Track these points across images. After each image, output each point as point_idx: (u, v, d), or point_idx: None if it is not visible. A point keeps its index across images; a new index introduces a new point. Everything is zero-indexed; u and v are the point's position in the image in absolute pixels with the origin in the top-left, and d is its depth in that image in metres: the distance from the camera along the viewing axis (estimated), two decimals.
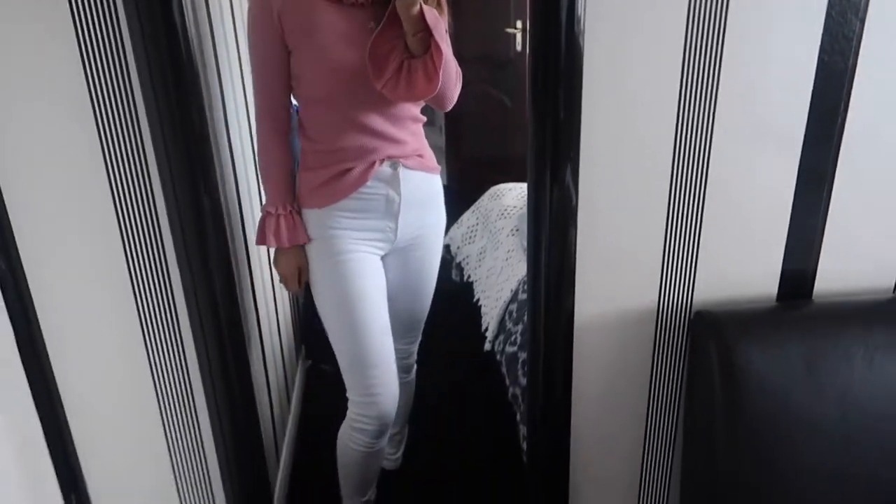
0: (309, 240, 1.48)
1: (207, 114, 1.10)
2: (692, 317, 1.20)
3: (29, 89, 1.01)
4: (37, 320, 1.11)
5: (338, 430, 1.61)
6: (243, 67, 1.83)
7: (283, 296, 2.27)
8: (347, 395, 1.52)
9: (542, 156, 1.11)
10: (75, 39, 1.00)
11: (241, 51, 1.82)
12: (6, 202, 1.05)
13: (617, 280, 1.19)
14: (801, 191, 1.15)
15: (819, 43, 1.07)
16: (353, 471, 1.61)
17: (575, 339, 1.21)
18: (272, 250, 1.56)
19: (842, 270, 1.21)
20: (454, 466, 2.09)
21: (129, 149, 1.07)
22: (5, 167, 1.04)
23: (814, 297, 1.22)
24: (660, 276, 1.19)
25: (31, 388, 1.11)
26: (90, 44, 1.00)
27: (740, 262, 1.19)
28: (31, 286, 1.09)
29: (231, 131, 1.59)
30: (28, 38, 0.99)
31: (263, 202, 1.47)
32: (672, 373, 1.26)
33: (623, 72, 1.07)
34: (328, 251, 1.46)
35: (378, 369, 1.47)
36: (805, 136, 1.12)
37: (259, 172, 1.48)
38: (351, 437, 1.54)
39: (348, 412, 1.53)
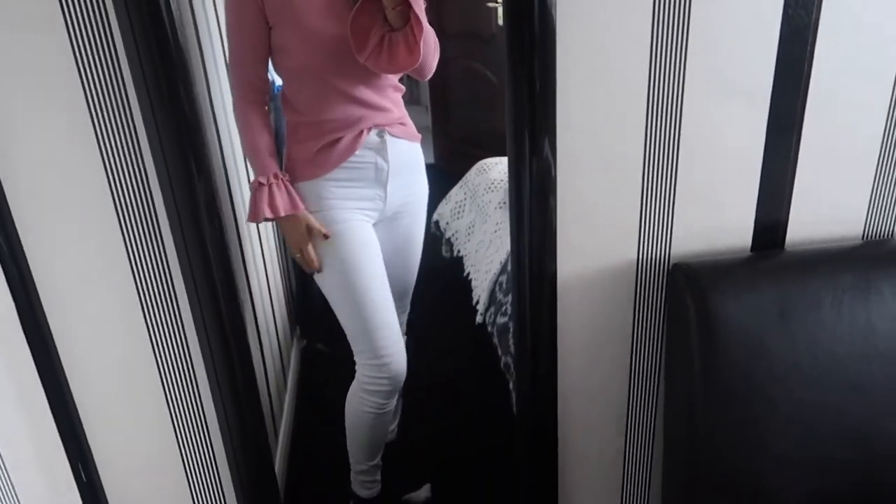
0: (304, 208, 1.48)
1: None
2: (670, 269, 1.24)
3: (21, 77, 1.03)
4: (40, 302, 1.14)
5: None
6: (226, 50, 1.84)
7: (276, 276, 2.30)
8: (356, 358, 1.55)
9: (520, 128, 1.14)
10: (64, 27, 1.02)
11: (223, 34, 1.84)
12: (4, 188, 1.07)
13: (597, 240, 1.23)
14: (770, 143, 1.18)
15: None
16: (363, 434, 1.65)
17: (559, 300, 1.25)
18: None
19: (812, 220, 1.25)
20: (449, 436, 2.13)
21: (122, 133, 1.08)
22: (2, 153, 1.06)
23: (786, 246, 1.26)
24: (638, 232, 1.23)
25: (36, 363, 1.14)
26: (79, 31, 1.02)
27: (715, 216, 1.23)
28: (31, 268, 1.12)
29: (216, 112, 1.61)
30: (17, 25, 1.01)
31: (251, 178, 1.49)
32: (652, 325, 1.30)
33: (595, 40, 1.10)
34: (324, 221, 1.48)
35: (385, 330, 1.50)
36: (773, 89, 1.15)
37: (243, 147, 1.49)
38: (362, 401, 1.57)
39: (358, 376, 1.56)
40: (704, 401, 1.15)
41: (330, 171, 1.46)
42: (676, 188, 1.20)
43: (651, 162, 1.18)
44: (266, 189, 1.42)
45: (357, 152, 1.46)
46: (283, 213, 1.43)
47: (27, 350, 1.13)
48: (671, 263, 1.24)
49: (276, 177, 1.43)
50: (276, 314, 2.19)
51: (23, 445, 1.15)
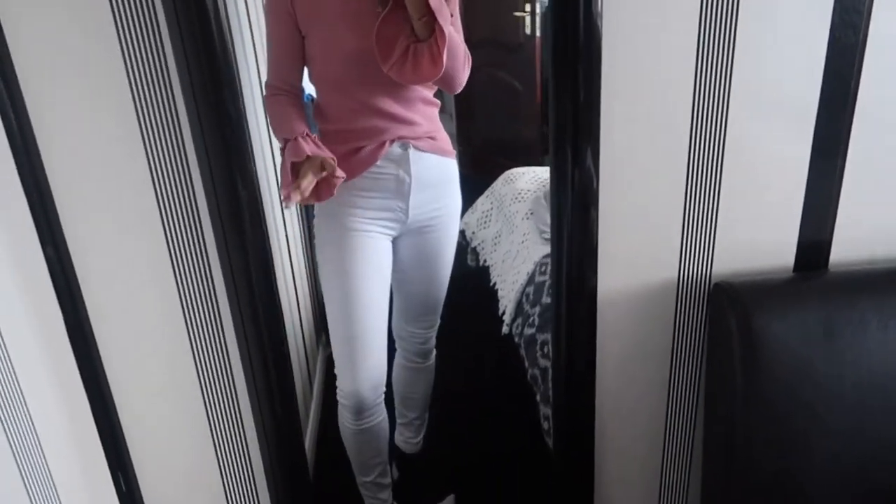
0: (314, 215, 1.47)
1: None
2: (711, 289, 1.23)
3: (71, 85, 1.05)
4: (86, 312, 1.15)
5: None
6: (259, 61, 1.86)
7: (303, 284, 2.31)
8: (335, 369, 1.54)
9: (562, 138, 1.14)
10: (115, 35, 1.03)
11: (256, 43, 1.86)
12: (54, 197, 1.09)
13: (638, 256, 1.22)
14: (815, 163, 1.18)
15: (830, 17, 1.10)
16: (350, 448, 1.64)
17: (598, 315, 1.24)
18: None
19: (857, 240, 1.24)
20: (475, 449, 2.12)
21: (169, 141, 1.10)
22: (52, 163, 1.07)
23: (830, 266, 1.25)
24: (679, 250, 1.22)
25: (80, 372, 1.16)
26: (130, 37, 1.04)
27: (758, 235, 1.22)
28: (78, 276, 1.13)
29: (249, 124, 1.62)
30: (69, 29, 1.02)
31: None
32: (692, 344, 1.29)
33: (640, 52, 1.10)
34: (337, 225, 1.48)
35: (360, 343, 1.48)
36: (819, 108, 1.14)
37: (274, 134, 1.47)
38: (340, 412, 1.58)
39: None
40: (746, 417, 1.14)
41: (350, 180, 1.46)
42: (719, 205, 1.20)
43: (694, 179, 1.18)
44: (293, 143, 1.34)
45: (378, 163, 1.46)
46: (308, 154, 1.32)
47: (73, 359, 1.14)
48: (712, 282, 1.23)
49: (301, 133, 1.35)
50: (302, 322, 2.20)
51: (66, 452, 1.17)
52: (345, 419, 1.57)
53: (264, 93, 1.46)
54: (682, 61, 1.10)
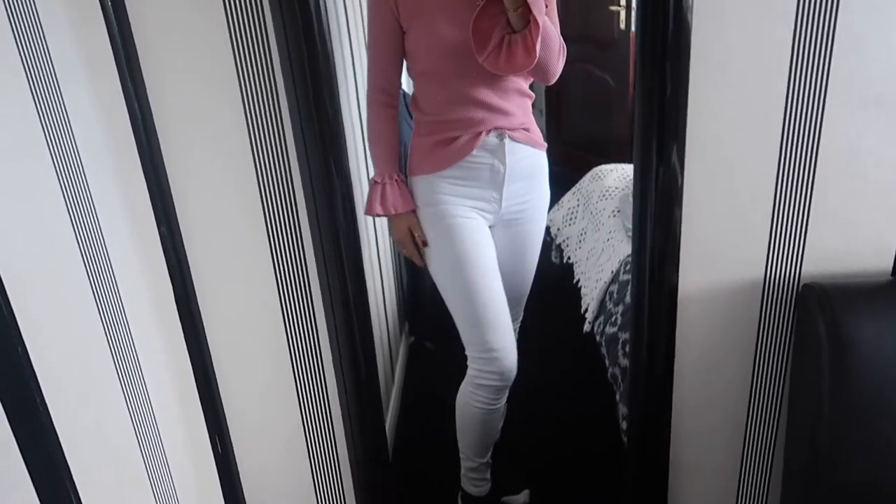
0: (415, 206, 1.55)
1: None
2: (800, 290, 1.19)
3: (189, 81, 1.14)
4: (192, 284, 1.25)
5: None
6: (354, 59, 1.93)
7: (389, 273, 2.39)
8: (466, 352, 1.57)
9: (647, 135, 1.13)
10: (228, 37, 1.11)
11: (352, 42, 1.93)
12: (170, 182, 1.19)
13: (722, 255, 1.20)
14: None
15: None
16: (473, 431, 1.67)
17: (679, 314, 1.23)
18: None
19: None
20: (552, 444, 2.13)
21: (271, 133, 1.18)
22: (169, 150, 1.17)
23: None
24: (767, 249, 1.19)
25: (187, 345, 1.26)
26: (241, 37, 1.12)
27: (853, 235, 1.17)
28: (188, 254, 1.23)
29: (343, 119, 1.69)
30: (186, 34, 1.11)
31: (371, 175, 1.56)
32: (778, 348, 1.25)
33: (732, 46, 1.07)
34: (438, 215, 1.53)
35: (495, 324, 1.52)
36: None
37: (367, 144, 1.57)
38: (472, 395, 1.59)
39: (469, 370, 1.58)
40: (832, 425, 1.10)
41: (445, 169, 1.50)
42: (811, 205, 1.15)
43: (785, 176, 1.14)
44: (380, 187, 1.51)
45: (473, 152, 1.49)
46: (392, 212, 1.53)
47: (180, 329, 1.24)
48: (801, 283, 1.19)
49: (390, 177, 1.51)
50: (387, 310, 2.27)
51: (172, 414, 1.26)
52: (480, 401, 1.58)
53: (368, 94, 1.53)
54: (776, 53, 1.07)
